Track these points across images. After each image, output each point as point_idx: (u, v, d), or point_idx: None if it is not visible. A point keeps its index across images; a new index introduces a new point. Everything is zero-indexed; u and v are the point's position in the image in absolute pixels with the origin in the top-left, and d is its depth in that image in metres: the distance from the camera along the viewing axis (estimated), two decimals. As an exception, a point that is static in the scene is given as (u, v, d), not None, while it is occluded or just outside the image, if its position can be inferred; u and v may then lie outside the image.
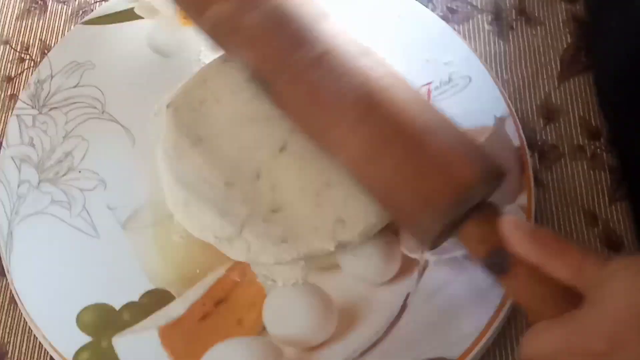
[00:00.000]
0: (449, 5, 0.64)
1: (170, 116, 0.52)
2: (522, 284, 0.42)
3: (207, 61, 0.57)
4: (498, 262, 0.42)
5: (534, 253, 0.41)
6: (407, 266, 0.51)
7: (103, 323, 0.49)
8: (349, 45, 0.48)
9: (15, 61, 0.60)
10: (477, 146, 0.46)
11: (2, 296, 0.52)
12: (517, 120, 0.56)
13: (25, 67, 0.60)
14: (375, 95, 0.46)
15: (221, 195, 0.50)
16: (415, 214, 0.45)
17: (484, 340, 0.48)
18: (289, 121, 0.50)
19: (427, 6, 0.62)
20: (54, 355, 0.49)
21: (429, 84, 0.57)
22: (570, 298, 0.40)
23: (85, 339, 0.48)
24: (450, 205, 0.43)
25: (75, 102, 0.56)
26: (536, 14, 0.64)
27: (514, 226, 0.42)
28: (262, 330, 0.49)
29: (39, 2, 0.62)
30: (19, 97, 0.56)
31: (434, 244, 0.46)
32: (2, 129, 0.57)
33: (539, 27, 0.63)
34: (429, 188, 0.44)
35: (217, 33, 0.51)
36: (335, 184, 0.50)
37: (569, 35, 0.63)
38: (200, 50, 0.58)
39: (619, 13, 0.59)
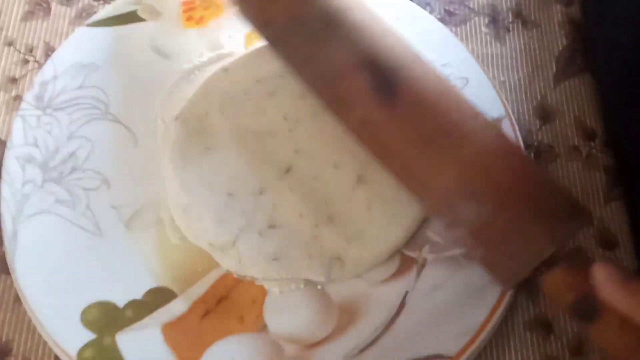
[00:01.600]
0: (446, 7, 0.64)
1: (178, 127, 0.53)
2: (611, 332, 0.41)
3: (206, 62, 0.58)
4: (587, 309, 0.42)
5: (625, 305, 0.40)
6: (406, 264, 0.52)
7: (107, 320, 0.49)
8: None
9: (20, 62, 0.60)
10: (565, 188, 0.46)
11: (7, 294, 0.52)
12: (514, 120, 0.57)
13: (29, 68, 0.60)
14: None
15: (221, 204, 0.51)
16: (508, 252, 0.45)
17: (481, 337, 0.49)
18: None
19: (424, 9, 0.63)
20: (58, 353, 0.49)
21: (427, 85, 0.57)
22: None
23: (89, 336, 0.49)
24: (549, 243, 0.44)
25: (79, 103, 0.56)
26: (532, 17, 0.64)
27: (605, 276, 0.41)
28: (263, 327, 0.50)
29: (43, 4, 0.63)
30: (24, 98, 0.56)
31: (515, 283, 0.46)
32: (6, 130, 0.58)
33: (535, 30, 0.64)
34: (528, 228, 0.44)
35: None
36: (337, 219, 0.51)
37: (564, 38, 0.63)
38: (203, 52, 0.58)
39: (619, 11, 0.59)
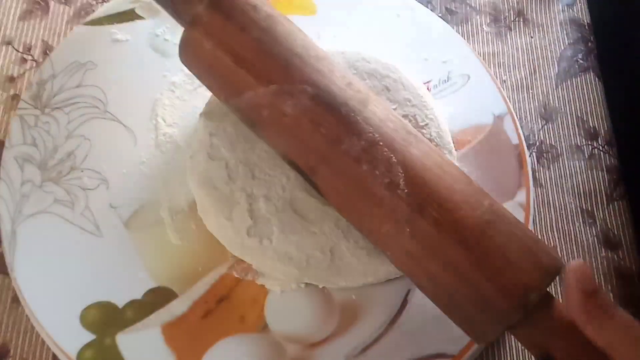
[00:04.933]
0: (447, 6, 0.64)
1: (202, 125, 0.52)
2: None
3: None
4: None
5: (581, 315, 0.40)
6: (408, 263, 0.51)
7: (106, 321, 0.49)
8: (396, 133, 0.45)
9: (18, 61, 0.60)
10: (535, 240, 0.43)
11: (4, 295, 0.52)
12: (516, 117, 0.57)
13: (28, 67, 0.60)
14: (428, 188, 0.43)
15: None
16: (473, 317, 0.43)
17: (483, 337, 0.49)
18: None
19: (426, 7, 0.62)
20: (58, 354, 0.49)
21: (428, 82, 0.57)
22: None
23: (89, 336, 0.49)
24: (512, 309, 0.42)
25: (77, 102, 0.56)
26: (535, 16, 0.64)
27: (576, 279, 0.40)
28: (264, 327, 0.49)
29: (41, 2, 0.62)
30: (22, 97, 0.56)
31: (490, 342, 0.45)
32: (4, 129, 0.57)
33: (537, 29, 0.64)
34: (488, 291, 0.42)
35: (251, 118, 0.47)
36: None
37: (567, 37, 0.63)
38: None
39: (626, 12, 0.59)
